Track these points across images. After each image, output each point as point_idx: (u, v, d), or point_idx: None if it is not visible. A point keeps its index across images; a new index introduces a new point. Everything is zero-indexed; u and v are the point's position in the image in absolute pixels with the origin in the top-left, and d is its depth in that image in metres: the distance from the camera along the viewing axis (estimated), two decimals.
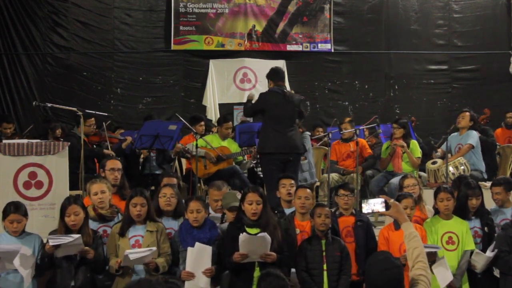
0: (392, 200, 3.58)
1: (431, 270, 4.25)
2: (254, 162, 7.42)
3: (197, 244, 4.15)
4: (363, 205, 3.53)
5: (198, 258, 4.14)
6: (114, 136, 7.48)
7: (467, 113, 6.90)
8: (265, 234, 4.05)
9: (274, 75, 6.19)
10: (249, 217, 4.24)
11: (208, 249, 4.18)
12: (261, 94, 6.25)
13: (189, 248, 4.15)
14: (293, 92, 6.66)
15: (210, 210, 4.93)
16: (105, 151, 6.83)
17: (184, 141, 7.28)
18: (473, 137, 6.76)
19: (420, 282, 3.04)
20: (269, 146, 5.98)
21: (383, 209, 3.50)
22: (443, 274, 4.22)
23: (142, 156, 7.13)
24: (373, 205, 3.49)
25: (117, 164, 5.23)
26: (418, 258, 3.18)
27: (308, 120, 8.89)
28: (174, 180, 5.33)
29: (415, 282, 3.05)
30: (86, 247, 4.12)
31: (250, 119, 10.34)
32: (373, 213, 3.65)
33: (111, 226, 4.54)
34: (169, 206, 4.63)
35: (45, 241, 4.27)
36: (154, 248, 4.19)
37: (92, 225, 4.52)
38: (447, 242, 4.55)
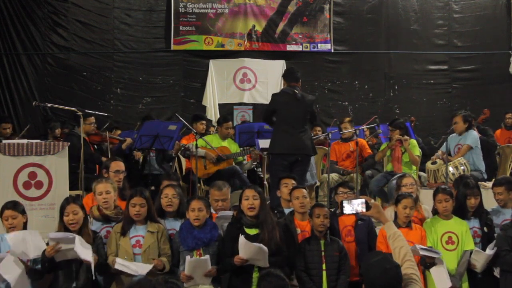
0: (372, 201, 3.58)
1: (430, 272, 4.27)
2: (255, 164, 7.42)
3: (193, 258, 4.12)
4: (345, 205, 3.51)
5: (197, 268, 4.12)
6: (115, 137, 7.47)
7: (459, 117, 6.84)
8: (261, 245, 4.02)
9: (287, 76, 6.18)
10: (246, 213, 4.23)
11: (205, 261, 4.12)
12: (273, 95, 6.25)
13: (187, 258, 4.09)
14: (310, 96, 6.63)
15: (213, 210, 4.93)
16: (104, 159, 6.80)
17: (184, 141, 7.27)
18: (472, 137, 6.74)
19: (413, 281, 3.05)
20: (278, 147, 5.96)
21: (363, 210, 3.49)
22: (442, 279, 4.21)
23: (136, 157, 7.12)
24: (357, 205, 3.48)
25: (122, 166, 5.24)
26: (405, 257, 3.19)
27: None
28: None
29: (408, 282, 3.05)
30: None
31: (250, 119, 10.33)
32: (356, 213, 3.64)
33: None
34: (171, 207, 4.60)
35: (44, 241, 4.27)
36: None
37: (96, 225, 4.53)
38: (446, 242, 4.55)
